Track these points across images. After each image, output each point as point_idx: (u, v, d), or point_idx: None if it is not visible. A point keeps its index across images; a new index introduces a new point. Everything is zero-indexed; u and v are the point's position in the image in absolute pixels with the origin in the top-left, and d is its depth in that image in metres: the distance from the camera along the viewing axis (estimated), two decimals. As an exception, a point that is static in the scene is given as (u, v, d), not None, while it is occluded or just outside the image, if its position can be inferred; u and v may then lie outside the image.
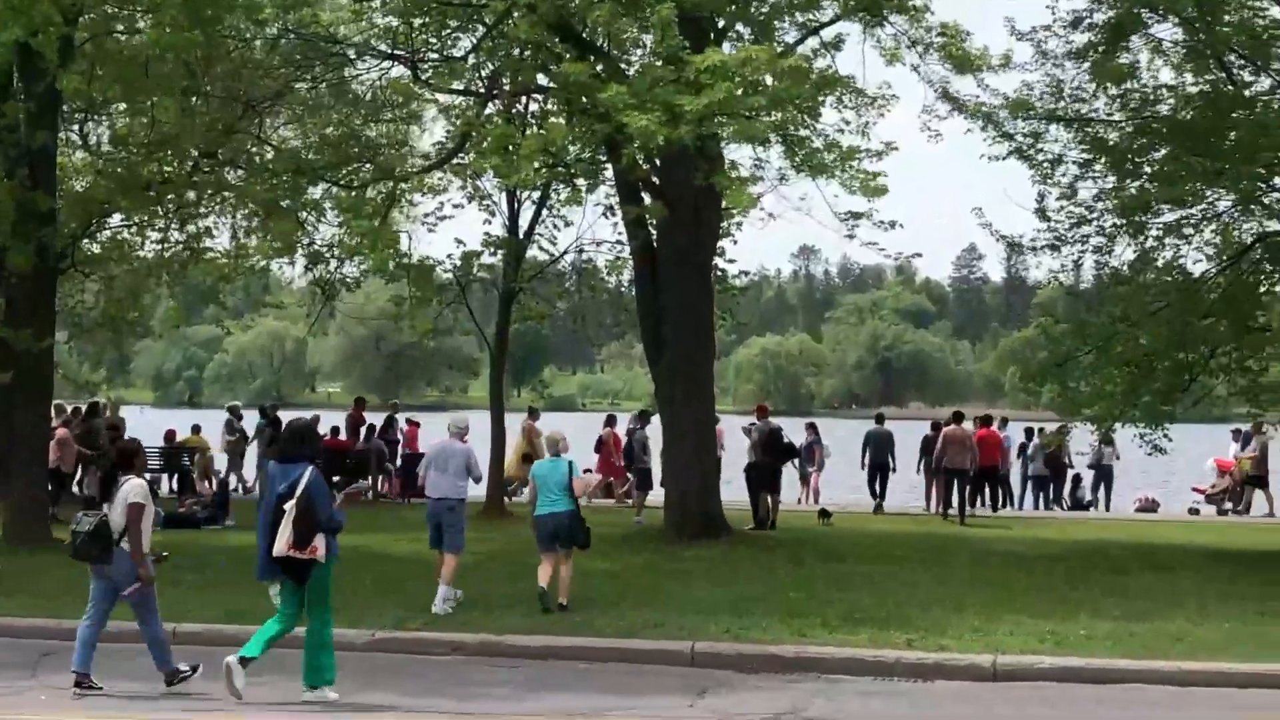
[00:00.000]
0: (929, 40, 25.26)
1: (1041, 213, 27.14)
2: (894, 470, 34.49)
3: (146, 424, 44.03)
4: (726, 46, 23.90)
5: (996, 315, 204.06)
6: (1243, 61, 25.19)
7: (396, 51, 26.24)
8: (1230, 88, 24.88)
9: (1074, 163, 26.74)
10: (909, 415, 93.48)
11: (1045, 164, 26.80)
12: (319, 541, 13.36)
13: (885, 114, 26.25)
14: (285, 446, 14.11)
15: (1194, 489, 37.92)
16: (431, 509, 19.05)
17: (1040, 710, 14.18)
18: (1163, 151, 25.51)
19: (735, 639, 16.54)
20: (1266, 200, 25.76)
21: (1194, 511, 36.25)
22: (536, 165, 22.35)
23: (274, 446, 16.31)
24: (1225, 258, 26.72)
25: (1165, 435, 27.53)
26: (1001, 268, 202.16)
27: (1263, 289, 27.05)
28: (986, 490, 33.48)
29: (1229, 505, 36.03)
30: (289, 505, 13.26)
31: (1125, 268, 27.34)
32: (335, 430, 35.47)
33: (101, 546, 13.67)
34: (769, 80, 20.66)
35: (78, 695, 13.80)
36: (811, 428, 36.51)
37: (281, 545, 13.25)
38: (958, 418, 32.94)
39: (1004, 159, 26.94)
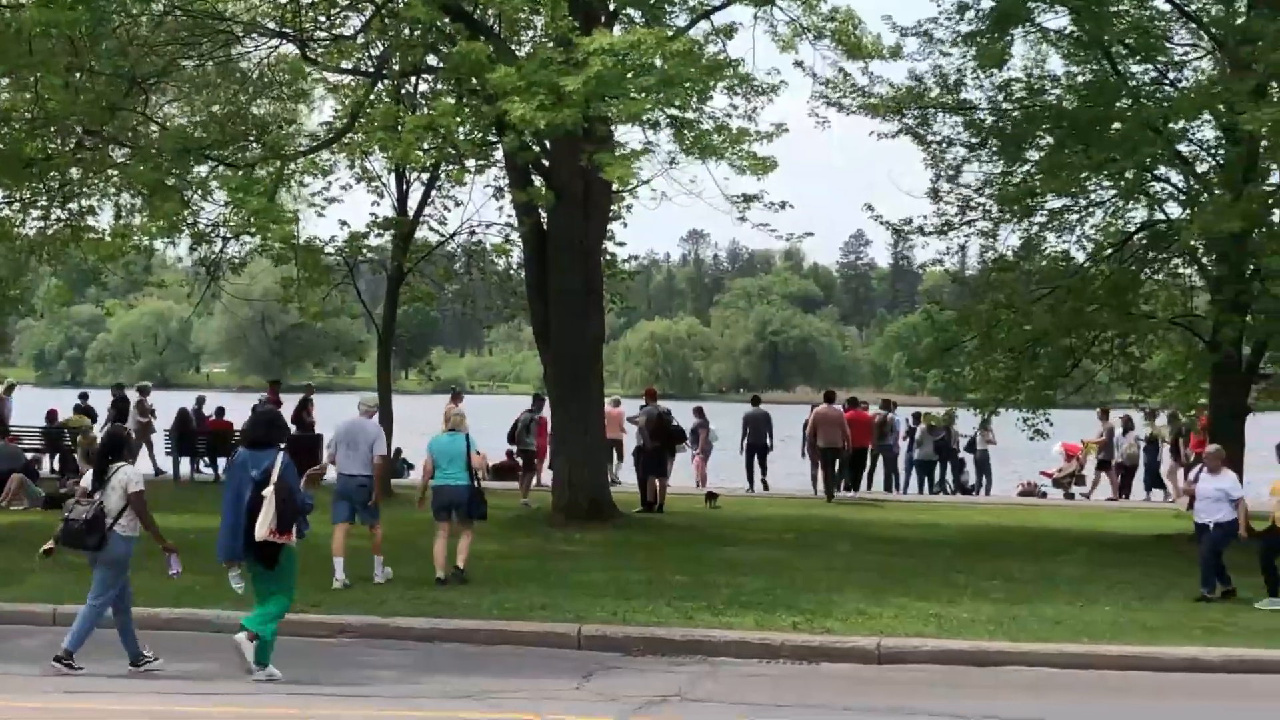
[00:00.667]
0: (821, 26, 25.40)
1: (934, 193, 27.44)
2: (771, 450, 34.90)
3: (25, 404, 43.26)
4: (618, 30, 23.89)
5: (883, 301, 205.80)
6: (1128, 53, 25.53)
7: (285, 30, 25.95)
8: (1115, 78, 25.20)
9: (962, 145, 27.04)
10: (796, 400, 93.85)
11: (935, 145, 27.08)
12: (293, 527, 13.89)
13: (774, 100, 26.38)
14: (255, 433, 14.42)
15: (1041, 473, 38.22)
16: (343, 486, 19.33)
17: (922, 691, 14.33)
18: (1048, 140, 25.82)
19: (622, 622, 16.57)
20: (1149, 190, 26.17)
21: (1041, 495, 36.89)
22: (425, 147, 22.23)
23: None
24: (1109, 246, 27.10)
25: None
26: (889, 254, 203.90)
27: (1145, 277, 27.49)
28: (866, 470, 34.45)
29: (1076, 489, 36.54)
30: (268, 491, 13.58)
31: (1010, 254, 27.67)
32: (220, 411, 35.16)
33: (99, 534, 13.80)
34: (658, 62, 20.66)
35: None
36: (699, 412, 36.69)
37: (264, 530, 13.58)
38: (829, 398, 34.13)
39: (894, 137, 27.19)
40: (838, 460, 32.87)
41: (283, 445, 14.35)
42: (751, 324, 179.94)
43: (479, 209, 45.02)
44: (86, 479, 14.43)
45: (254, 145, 28.56)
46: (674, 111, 22.87)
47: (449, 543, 19.02)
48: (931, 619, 17.05)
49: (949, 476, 37.39)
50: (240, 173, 25.65)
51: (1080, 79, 25.78)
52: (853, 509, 30.48)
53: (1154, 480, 35.70)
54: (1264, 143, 23.64)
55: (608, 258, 29.33)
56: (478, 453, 19.62)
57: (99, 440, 15.52)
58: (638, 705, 13.31)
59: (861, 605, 17.71)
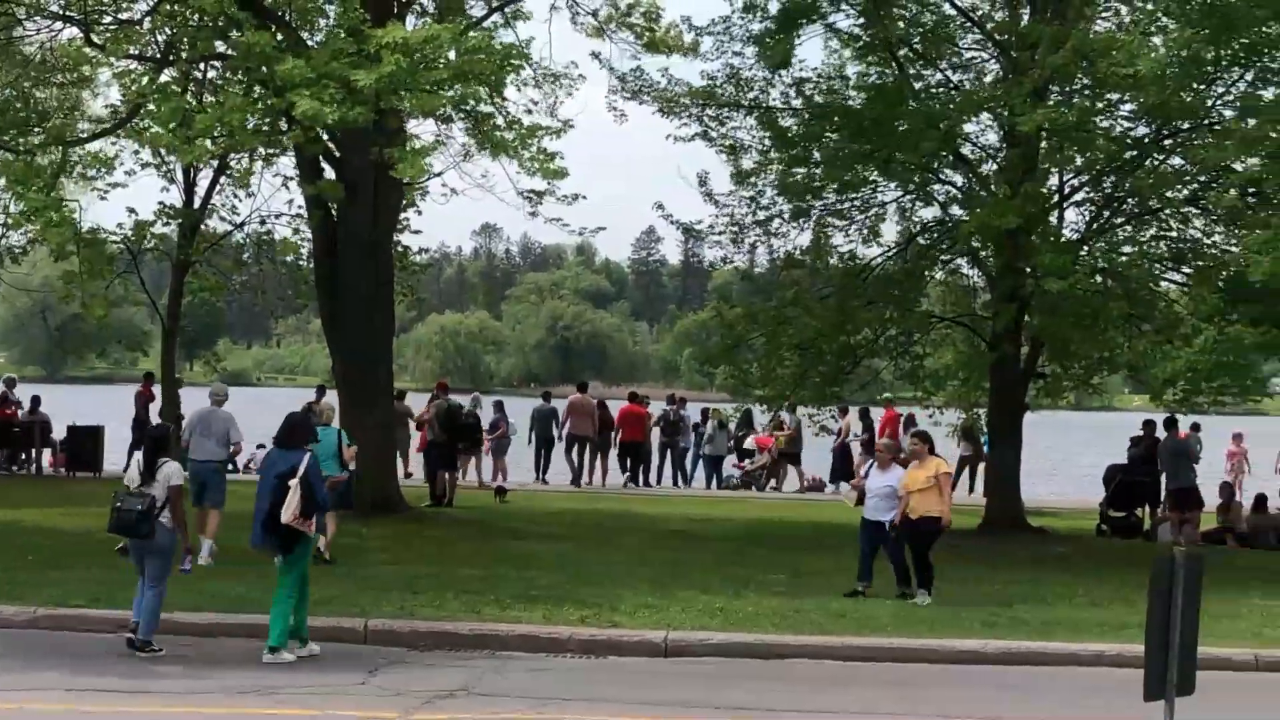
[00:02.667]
0: (620, 18, 25.48)
1: (710, 197, 27.68)
2: (560, 442, 35.50)
3: None
4: (411, 21, 23.71)
5: (674, 297, 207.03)
6: (915, 56, 26.04)
7: (69, 13, 25.27)
8: (901, 79, 25.66)
9: (754, 148, 27.33)
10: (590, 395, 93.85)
11: (728, 147, 27.31)
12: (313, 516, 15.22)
13: (573, 93, 26.43)
14: (286, 437, 15.53)
15: (734, 465, 38.54)
16: (196, 470, 20.29)
17: (709, 684, 14.46)
18: (836, 138, 26.21)
19: (410, 617, 16.46)
20: (932, 189, 26.73)
21: (732, 486, 37.21)
22: (211, 140, 21.74)
23: None
24: (892, 244, 27.63)
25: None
26: (679, 251, 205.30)
27: (928, 277, 28.08)
28: (647, 465, 35.43)
29: (767, 482, 37.08)
30: (294, 483, 14.86)
31: (798, 253, 28.05)
32: (36, 400, 34.39)
33: (150, 524, 14.90)
34: (451, 55, 20.53)
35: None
36: (499, 406, 36.63)
37: (289, 515, 14.79)
38: (582, 388, 35.08)
39: (690, 140, 27.37)
40: (582, 447, 34.59)
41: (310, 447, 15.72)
42: (543, 319, 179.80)
43: (268, 199, 44.18)
44: (133, 472, 15.35)
45: (36, 131, 27.78)
46: (468, 105, 22.78)
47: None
48: (718, 612, 17.21)
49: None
50: (20, 159, 24.91)
51: (869, 80, 26.19)
52: (641, 503, 30.66)
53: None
54: (1042, 144, 24.30)
55: (399, 250, 29.09)
56: (349, 445, 20.62)
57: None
58: (424, 700, 13.22)
59: (649, 599, 17.80)
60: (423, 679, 14.12)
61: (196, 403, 23.29)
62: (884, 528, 19.01)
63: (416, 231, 30.28)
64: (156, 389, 34.33)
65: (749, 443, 37.11)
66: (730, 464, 37.93)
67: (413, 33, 20.54)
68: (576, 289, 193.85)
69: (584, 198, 25.18)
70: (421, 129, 25.55)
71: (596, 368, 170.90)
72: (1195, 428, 29.92)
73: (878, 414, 36.76)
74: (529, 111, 24.92)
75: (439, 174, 25.72)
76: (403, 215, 28.00)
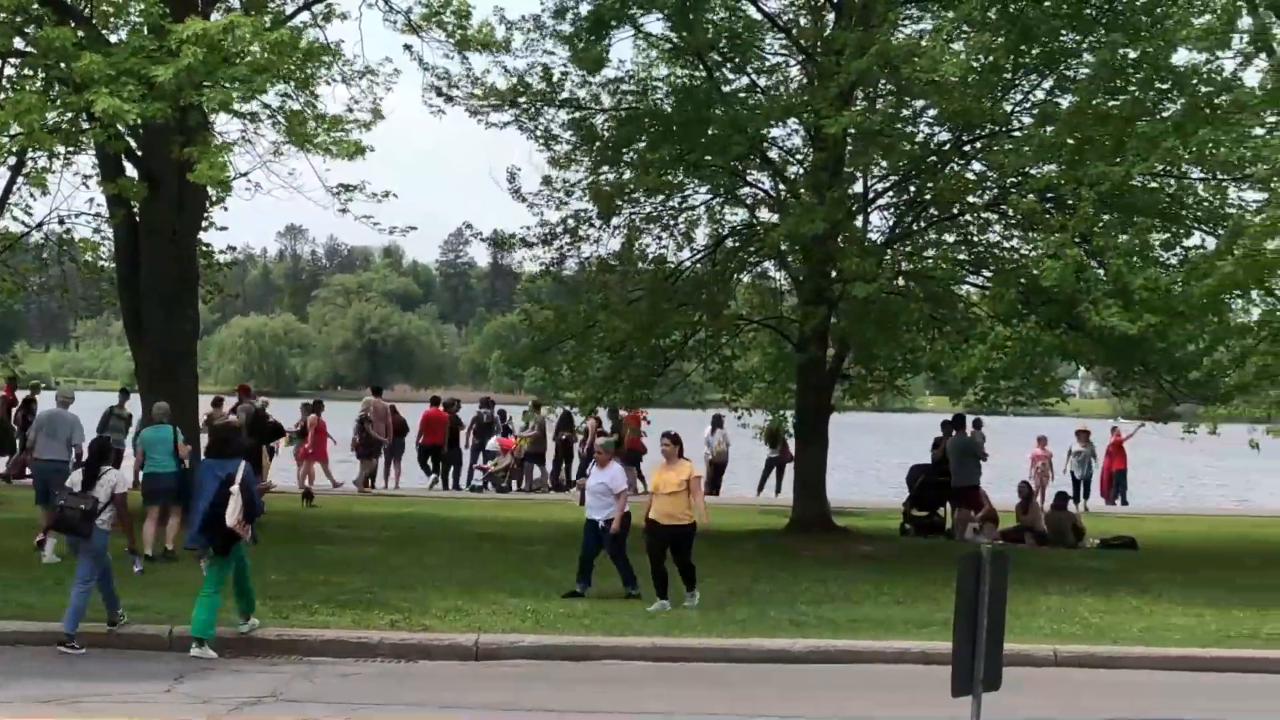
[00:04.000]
0: (432, 17, 25.29)
1: (517, 193, 27.61)
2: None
3: None
4: (216, 17, 23.28)
5: (483, 299, 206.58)
6: (723, 59, 26.21)
7: None
8: (710, 84, 25.81)
9: (567, 143, 27.29)
10: (394, 399, 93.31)
11: (542, 137, 27.22)
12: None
13: (390, 89, 26.18)
14: (220, 447, 16.46)
15: (477, 467, 38.38)
16: (41, 469, 21.78)
17: (520, 686, 14.43)
18: (645, 141, 26.29)
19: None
20: (740, 193, 26.95)
21: (476, 489, 37.02)
22: (9, 138, 21.13)
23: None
24: (702, 247, 27.80)
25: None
26: (488, 253, 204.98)
27: (735, 278, 28.30)
28: (432, 463, 36.18)
29: (510, 482, 37.14)
30: (234, 489, 15.68)
31: (609, 256, 28.08)
32: None
33: (91, 524, 15.74)
34: (256, 50, 20.20)
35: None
36: (317, 407, 36.17)
37: (233, 519, 15.59)
38: (376, 392, 35.59)
39: (503, 127, 27.22)
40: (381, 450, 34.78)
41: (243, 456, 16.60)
42: (349, 321, 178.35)
43: (68, 198, 43.08)
44: (75, 478, 16.31)
45: None
46: (271, 100, 22.48)
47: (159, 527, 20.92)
48: (528, 614, 17.20)
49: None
50: None
51: (678, 83, 26.30)
52: (447, 506, 30.50)
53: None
54: (848, 148, 24.63)
55: (203, 249, 28.53)
56: (184, 442, 21.59)
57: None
58: (232, 707, 13.03)
59: (459, 602, 17.73)
60: (230, 686, 13.89)
61: None
62: (604, 526, 18.90)
63: (223, 228, 29.73)
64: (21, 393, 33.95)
65: (492, 444, 37.01)
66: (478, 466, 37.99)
67: (211, 24, 20.16)
68: (384, 291, 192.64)
69: (395, 195, 24.97)
70: (229, 127, 25.16)
71: (404, 370, 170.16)
72: (978, 425, 30.54)
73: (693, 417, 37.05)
74: (349, 110, 24.64)
75: (245, 174, 25.27)
76: (206, 213, 27.45)
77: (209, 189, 25.66)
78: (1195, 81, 23.75)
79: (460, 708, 13.51)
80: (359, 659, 15.42)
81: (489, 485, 36.69)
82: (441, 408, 36.59)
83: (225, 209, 28.30)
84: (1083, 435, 37.03)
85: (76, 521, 15.77)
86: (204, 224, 27.46)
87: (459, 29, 25.11)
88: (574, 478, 35.54)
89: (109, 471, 16.24)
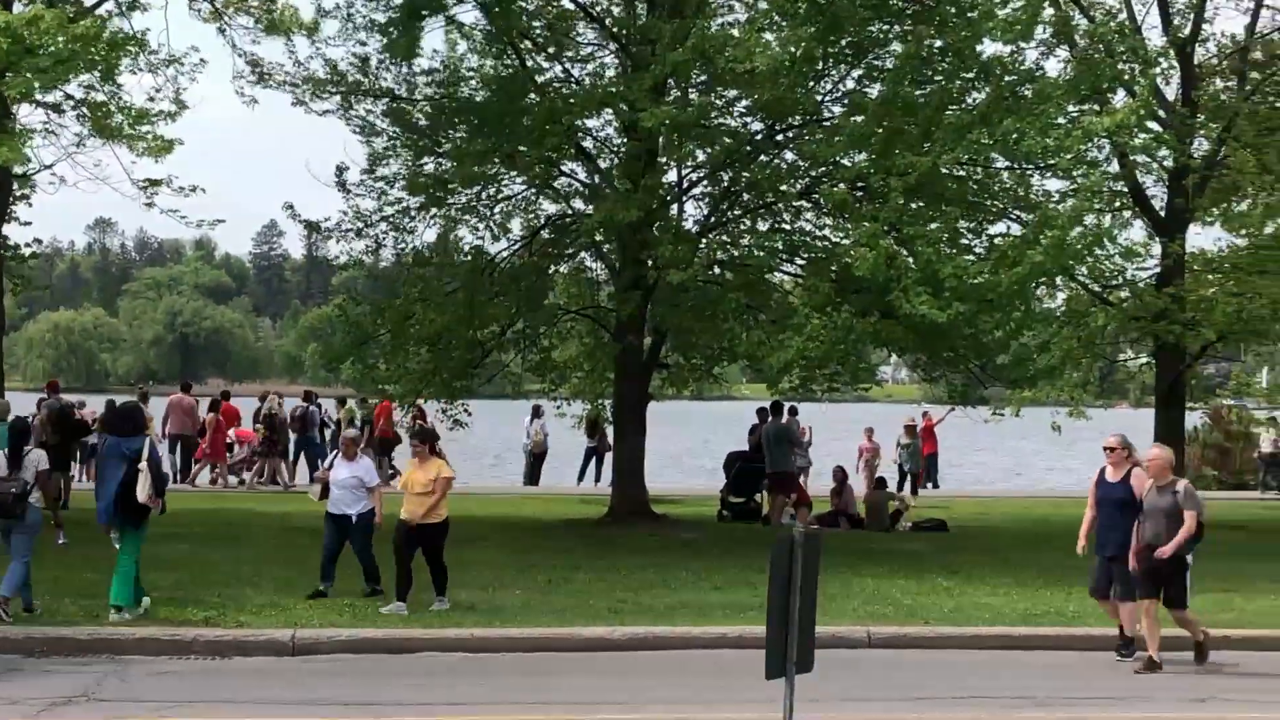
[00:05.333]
0: (236, 3, 24.93)
1: (342, 185, 27.31)
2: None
3: None
4: (18, 8, 22.76)
5: (298, 292, 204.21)
6: (536, 48, 26.17)
7: None
8: (524, 74, 25.76)
9: (385, 134, 27.06)
10: (208, 392, 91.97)
11: (360, 129, 26.97)
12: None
13: (196, 79, 25.77)
14: (121, 425, 17.00)
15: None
16: None
17: (336, 681, 14.32)
18: (462, 132, 26.16)
19: (25, 622, 15.85)
20: (556, 184, 26.94)
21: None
22: None
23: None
24: (518, 238, 27.75)
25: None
26: (303, 245, 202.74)
27: (551, 268, 28.31)
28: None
29: (254, 474, 36.84)
30: (143, 465, 16.22)
31: (425, 249, 27.93)
32: None
33: (24, 504, 16.19)
34: (61, 40, 19.77)
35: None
36: (214, 406, 35.55)
37: (144, 495, 16.18)
38: (185, 388, 35.12)
39: (323, 115, 26.95)
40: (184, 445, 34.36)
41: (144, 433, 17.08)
42: (161, 315, 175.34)
43: None
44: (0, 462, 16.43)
45: None
46: (74, 91, 22.03)
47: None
48: (346, 609, 17.08)
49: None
50: None
51: (492, 73, 26.19)
52: (264, 500, 30.14)
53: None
54: (660, 139, 24.74)
55: (10, 244, 27.83)
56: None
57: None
58: (41, 707, 12.76)
59: (275, 598, 17.56)
60: (40, 686, 13.60)
61: None
62: (350, 521, 18.22)
63: (26, 223, 28.97)
64: None
65: (232, 435, 36.55)
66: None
67: (15, 16, 19.72)
68: (196, 284, 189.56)
69: (203, 190, 24.60)
70: (31, 119, 24.57)
71: (219, 364, 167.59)
72: (794, 412, 30.92)
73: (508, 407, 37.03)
74: (150, 99, 24.20)
75: (49, 166, 24.74)
76: (11, 206, 26.80)
77: (12, 183, 25.13)
78: (1000, 72, 24.24)
79: (277, 703, 13.37)
80: (173, 657, 15.18)
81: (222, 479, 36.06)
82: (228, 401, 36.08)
83: (30, 204, 27.71)
84: (910, 428, 37.42)
85: (10, 503, 16.07)
86: (6, 218, 26.80)
87: (266, 14, 24.78)
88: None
89: (32, 451, 16.70)
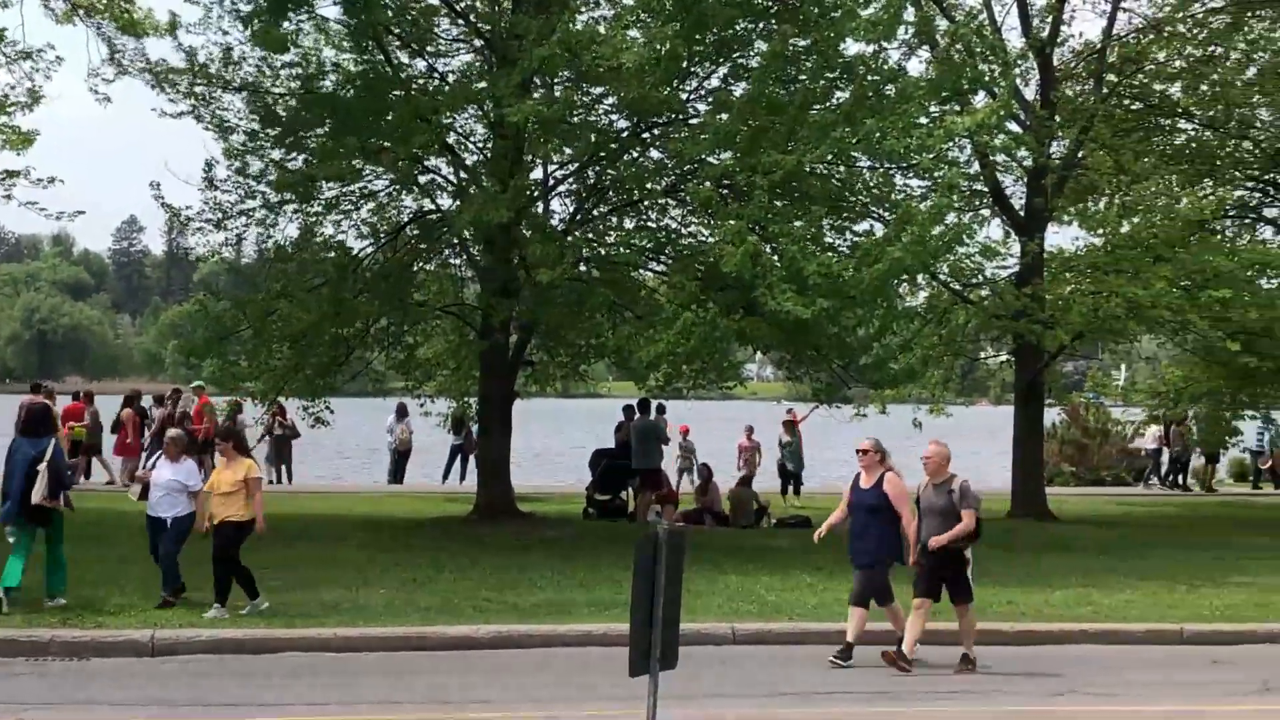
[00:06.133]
0: (90, 4, 24.52)
1: (209, 182, 26.91)
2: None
3: None
4: None
5: (158, 289, 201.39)
6: (400, 44, 25.95)
7: None
8: (389, 69, 25.53)
9: (244, 131, 26.67)
10: (66, 390, 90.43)
11: (217, 128, 26.56)
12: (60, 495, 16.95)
13: (50, 77, 25.29)
14: (32, 427, 17.13)
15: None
16: None
17: (195, 681, 14.14)
18: (326, 127, 25.86)
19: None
20: (421, 180, 26.74)
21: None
22: None
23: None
24: (383, 235, 27.53)
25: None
26: (163, 241, 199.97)
27: (418, 267, 28.12)
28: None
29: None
30: (42, 467, 16.55)
31: (288, 244, 27.59)
32: None
33: None
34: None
35: None
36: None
37: (38, 496, 16.50)
38: (35, 389, 33.96)
39: (178, 117, 26.54)
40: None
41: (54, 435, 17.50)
42: (18, 312, 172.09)
43: None
44: None
45: None
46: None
47: None
48: (207, 608, 16.86)
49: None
50: None
51: (356, 68, 25.89)
52: (127, 500, 29.64)
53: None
54: (527, 135, 24.65)
55: None
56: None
57: None
58: (-110, 713, 12.49)
59: (135, 599, 17.29)
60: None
61: None
62: (166, 524, 17.60)
63: None
64: None
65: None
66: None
67: None
68: (54, 280, 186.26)
69: (61, 181, 24.18)
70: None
71: (77, 361, 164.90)
72: (661, 409, 31.01)
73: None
74: (4, 96, 23.73)
75: None
76: None
77: None
78: (863, 71, 24.45)
79: (136, 705, 13.16)
80: (30, 658, 14.90)
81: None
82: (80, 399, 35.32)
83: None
84: (790, 424, 36.99)
85: None
86: None
87: (124, 13, 24.39)
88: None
89: None
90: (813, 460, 42.83)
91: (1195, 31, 32.49)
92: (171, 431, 19.50)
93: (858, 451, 16.33)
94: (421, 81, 26.19)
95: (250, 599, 17.10)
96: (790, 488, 35.77)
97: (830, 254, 24.43)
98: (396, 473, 38.33)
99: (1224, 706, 14.25)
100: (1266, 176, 34.71)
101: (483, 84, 25.22)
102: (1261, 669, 15.85)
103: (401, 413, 36.96)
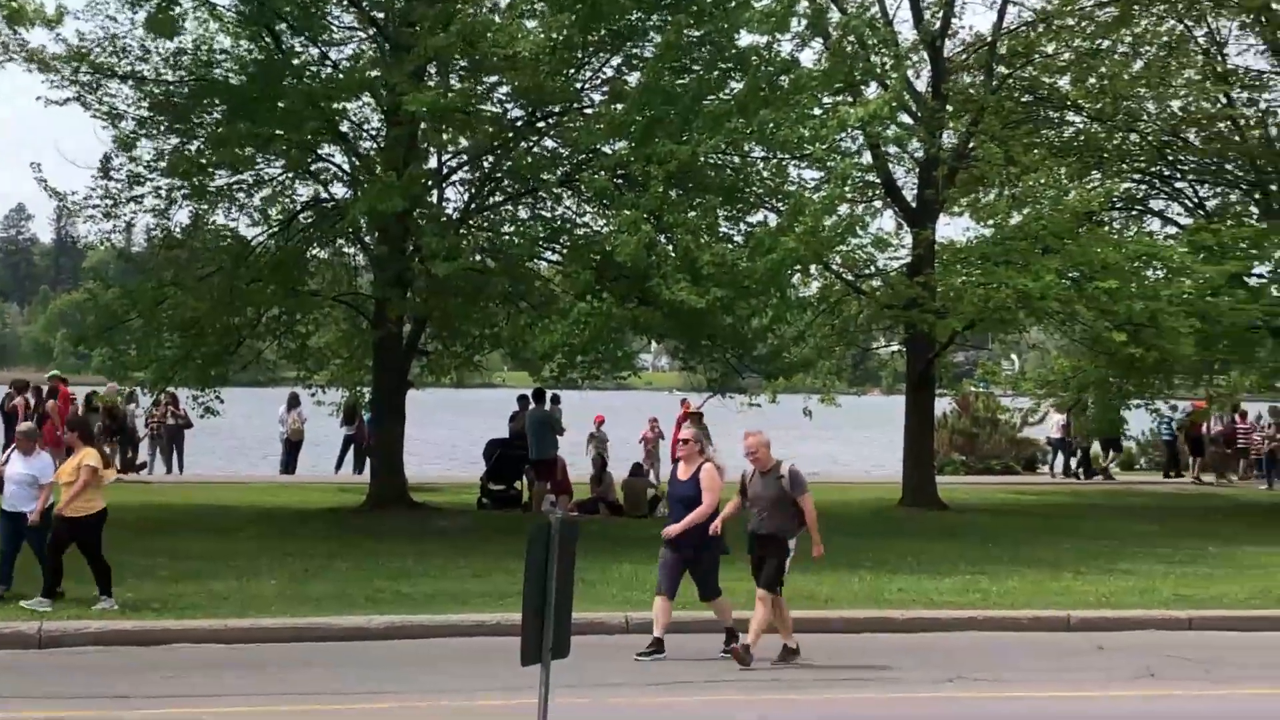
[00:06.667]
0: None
1: (104, 170, 26.50)
2: None
3: None
4: None
5: (46, 277, 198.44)
6: (292, 31, 25.70)
7: None
8: (281, 56, 25.31)
9: (133, 119, 26.30)
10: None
11: (106, 115, 26.18)
12: None
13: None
14: None
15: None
16: None
17: (84, 675, 13.99)
18: (218, 114, 25.59)
19: None
20: (314, 168, 26.55)
21: None
22: None
23: None
24: (276, 223, 27.28)
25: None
26: (52, 229, 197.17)
27: (309, 254, 27.92)
28: None
29: None
30: None
31: (179, 232, 27.28)
32: None
33: None
34: None
35: None
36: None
37: None
38: None
39: (63, 104, 26.14)
40: None
41: None
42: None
43: None
44: None
45: None
46: None
47: None
48: (92, 600, 16.66)
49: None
50: None
51: (248, 55, 25.63)
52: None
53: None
54: (423, 125, 24.54)
55: None
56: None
57: None
58: None
59: (24, 589, 17.03)
60: None
61: None
62: (24, 520, 17.07)
63: None
64: None
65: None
66: None
67: None
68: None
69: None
70: None
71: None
72: (555, 400, 31.00)
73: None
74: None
75: None
76: None
77: None
78: (757, 62, 24.56)
79: (24, 697, 12.98)
80: (-88, 654, 14.70)
81: None
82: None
83: None
84: (695, 417, 36.37)
85: None
86: None
87: (8, 5, 23.99)
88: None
89: None
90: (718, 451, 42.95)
91: (1083, 25, 32.90)
92: (22, 425, 19.12)
93: (678, 442, 16.04)
94: (315, 69, 25.97)
95: (103, 595, 16.61)
96: None
97: (725, 244, 24.57)
98: (288, 463, 38.07)
99: (1107, 692, 14.46)
100: (1153, 169, 35.26)
101: (376, 72, 25.05)
102: (1145, 655, 16.10)
103: (293, 402, 36.70)
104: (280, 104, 24.36)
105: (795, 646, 15.43)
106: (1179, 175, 35.55)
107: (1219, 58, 33.88)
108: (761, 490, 15.34)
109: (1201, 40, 33.97)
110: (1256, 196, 34.50)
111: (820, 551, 15.47)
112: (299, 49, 26.14)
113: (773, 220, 25.45)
